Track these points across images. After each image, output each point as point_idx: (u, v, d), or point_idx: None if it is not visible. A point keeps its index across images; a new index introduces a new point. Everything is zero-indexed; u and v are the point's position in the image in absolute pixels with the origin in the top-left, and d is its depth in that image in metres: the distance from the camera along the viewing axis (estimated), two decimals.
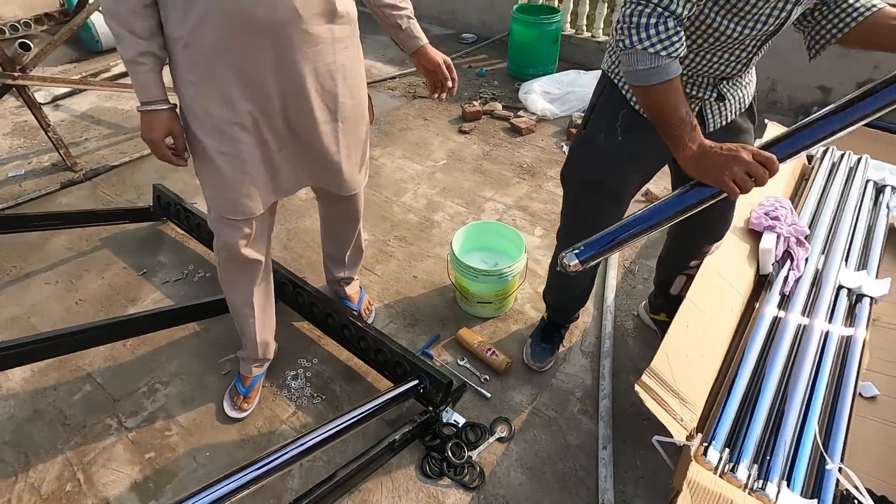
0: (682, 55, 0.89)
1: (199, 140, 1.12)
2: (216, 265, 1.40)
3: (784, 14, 0.92)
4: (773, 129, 2.23)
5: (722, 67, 1.05)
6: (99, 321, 1.52)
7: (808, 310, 1.55)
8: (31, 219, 2.06)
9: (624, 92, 1.14)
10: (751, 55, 1.04)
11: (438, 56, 1.33)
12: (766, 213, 1.76)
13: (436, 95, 1.38)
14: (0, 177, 2.62)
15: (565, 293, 1.63)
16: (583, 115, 3.00)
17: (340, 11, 1.11)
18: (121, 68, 3.59)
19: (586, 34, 3.81)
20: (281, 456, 1.10)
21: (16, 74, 2.26)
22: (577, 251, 0.97)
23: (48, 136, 2.53)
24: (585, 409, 1.58)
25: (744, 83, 1.14)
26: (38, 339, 1.39)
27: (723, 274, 1.59)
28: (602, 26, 3.74)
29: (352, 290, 1.81)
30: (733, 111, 1.16)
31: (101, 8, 1.01)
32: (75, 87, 3.10)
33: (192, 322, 1.79)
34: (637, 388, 1.27)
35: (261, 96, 1.09)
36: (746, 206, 1.81)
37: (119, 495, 1.37)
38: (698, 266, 1.54)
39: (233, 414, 1.55)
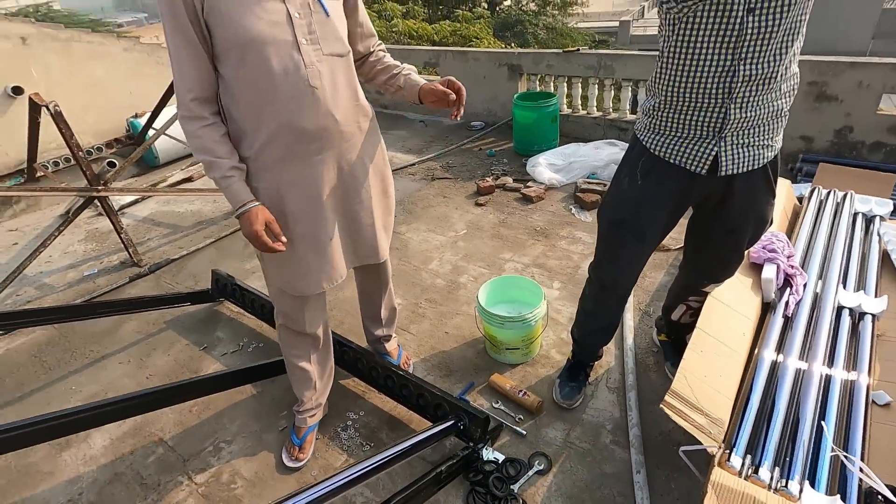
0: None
1: None
2: (276, 328, 1.63)
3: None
4: None
5: (708, 103, 1.20)
6: (165, 384, 1.73)
7: (811, 329, 1.67)
8: (105, 306, 2.37)
9: (644, 142, 1.38)
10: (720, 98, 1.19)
11: (435, 83, 1.44)
12: (764, 247, 1.94)
13: (453, 115, 1.45)
14: (77, 276, 2.98)
15: (592, 324, 1.76)
16: (587, 180, 3.31)
17: (364, 112, 1.42)
18: (176, 177, 4.11)
19: (582, 112, 4.25)
20: (333, 483, 1.25)
21: (100, 188, 2.69)
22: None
23: (120, 238, 2.92)
24: (617, 440, 1.68)
25: (753, 137, 1.25)
26: (115, 400, 1.59)
27: (729, 304, 1.75)
28: (595, 104, 4.18)
29: (391, 346, 2.00)
30: (743, 161, 1.27)
31: (188, 145, 1.26)
32: (145, 195, 3.57)
33: (249, 384, 1.99)
34: (662, 406, 1.39)
35: (311, 193, 1.35)
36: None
37: None
38: (697, 301, 1.71)
39: (290, 464, 1.69)
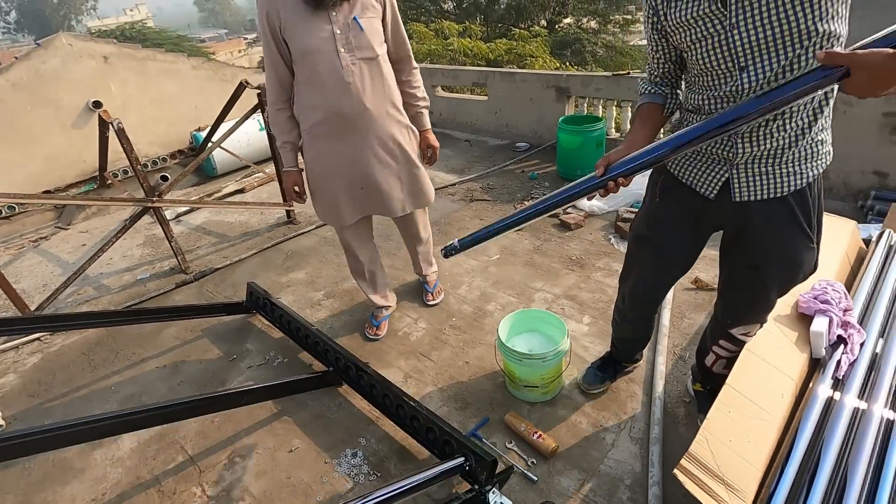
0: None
1: (314, 183, 1.99)
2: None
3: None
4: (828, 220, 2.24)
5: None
6: (193, 396, 1.78)
7: (866, 393, 1.49)
8: (148, 313, 2.50)
9: (666, 163, 1.35)
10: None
11: (426, 141, 2.12)
12: (816, 297, 1.76)
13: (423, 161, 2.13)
14: (131, 279, 3.19)
15: (620, 332, 1.85)
16: (630, 209, 3.17)
17: (393, 101, 1.90)
18: (230, 188, 4.33)
19: None
20: None
21: (154, 199, 2.87)
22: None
23: (171, 246, 3.10)
24: (635, 498, 1.56)
25: (773, 165, 1.18)
26: (145, 409, 1.64)
27: (768, 359, 1.59)
28: None
29: (430, 278, 2.59)
30: (759, 187, 1.20)
31: (268, 119, 1.83)
32: (194, 206, 3.78)
33: (268, 401, 2.02)
34: (676, 472, 1.28)
35: (345, 158, 1.89)
36: (793, 294, 1.82)
37: None
38: (728, 350, 1.57)
39: (371, 336, 2.36)
